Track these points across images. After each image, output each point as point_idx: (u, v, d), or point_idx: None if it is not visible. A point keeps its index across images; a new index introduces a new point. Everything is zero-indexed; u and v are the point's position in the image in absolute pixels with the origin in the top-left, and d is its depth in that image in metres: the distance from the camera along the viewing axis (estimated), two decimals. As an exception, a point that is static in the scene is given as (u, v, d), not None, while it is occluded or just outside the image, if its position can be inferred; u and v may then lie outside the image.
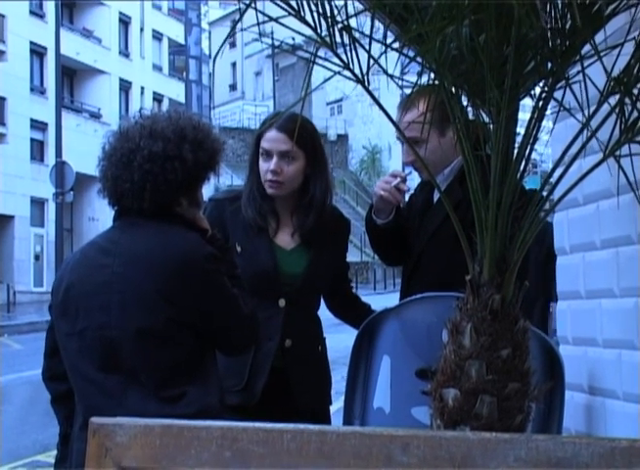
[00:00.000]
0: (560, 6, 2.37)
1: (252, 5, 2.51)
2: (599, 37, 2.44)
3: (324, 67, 2.58)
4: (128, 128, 3.05)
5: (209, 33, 53.60)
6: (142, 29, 45.11)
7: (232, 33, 2.74)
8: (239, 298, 3.07)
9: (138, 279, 2.94)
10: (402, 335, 3.25)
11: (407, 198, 3.95)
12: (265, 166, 3.65)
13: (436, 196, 3.66)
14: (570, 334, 4.06)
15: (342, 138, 50.29)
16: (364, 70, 2.62)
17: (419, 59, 2.58)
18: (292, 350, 3.63)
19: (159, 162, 2.97)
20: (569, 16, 2.38)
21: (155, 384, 2.93)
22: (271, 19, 2.52)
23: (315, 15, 2.57)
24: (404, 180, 3.59)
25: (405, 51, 2.60)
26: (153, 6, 46.61)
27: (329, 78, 2.60)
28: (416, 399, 2.99)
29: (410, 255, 3.69)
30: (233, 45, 56.95)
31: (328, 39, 2.62)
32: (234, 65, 58.63)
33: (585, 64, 2.43)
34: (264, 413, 3.37)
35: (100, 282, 2.98)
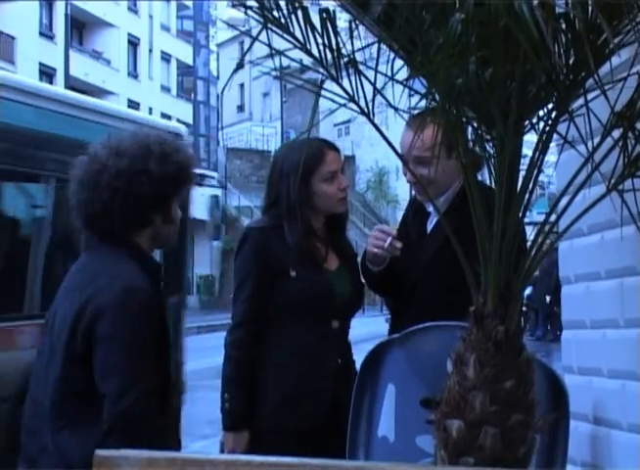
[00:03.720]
0: (564, 41, 2.39)
1: (260, 34, 2.54)
2: (602, 70, 2.46)
3: (330, 99, 2.61)
4: (96, 151, 3.06)
5: (218, 55, 53.64)
6: (150, 51, 45.28)
7: (239, 66, 2.77)
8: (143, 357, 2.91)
9: (66, 303, 2.97)
10: (407, 363, 3.24)
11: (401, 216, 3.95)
12: (333, 187, 3.69)
13: (430, 225, 3.66)
14: (574, 363, 4.05)
15: (350, 159, 50.24)
16: (369, 102, 2.64)
17: (424, 89, 2.60)
18: (341, 369, 3.67)
19: (125, 178, 2.97)
20: (572, 51, 2.40)
21: (54, 414, 2.93)
22: (278, 52, 2.55)
23: (321, 48, 2.60)
24: (395, 237, 3.57)
25: (410, 82, 2.62)
26: (161, 27, 46.81)
27: (335, 110, 2.63)
28: (420, 427, 2.99)
29: (404, 284, 3.68)
30: (241, 66, 57.03)
31: (333, 71, 2.64)
32: (242, 86, 58.71)
33: (589, 97, 2.45)
34: (327, 436, 3.47)
35: (55, 306, 3.05)
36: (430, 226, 3.65)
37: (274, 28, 2.58)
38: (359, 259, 3.83)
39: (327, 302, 3.65)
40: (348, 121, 46.61)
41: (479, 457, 2.55)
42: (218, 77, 50.31)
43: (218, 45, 53.77)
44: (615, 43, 2.23)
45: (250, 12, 2.60)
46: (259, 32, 2.55)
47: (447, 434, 2.60)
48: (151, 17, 45.17)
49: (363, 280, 3.83)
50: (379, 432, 3.29)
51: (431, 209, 3.62)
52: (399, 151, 3.30)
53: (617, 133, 2.54)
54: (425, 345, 3.20)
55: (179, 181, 3.08)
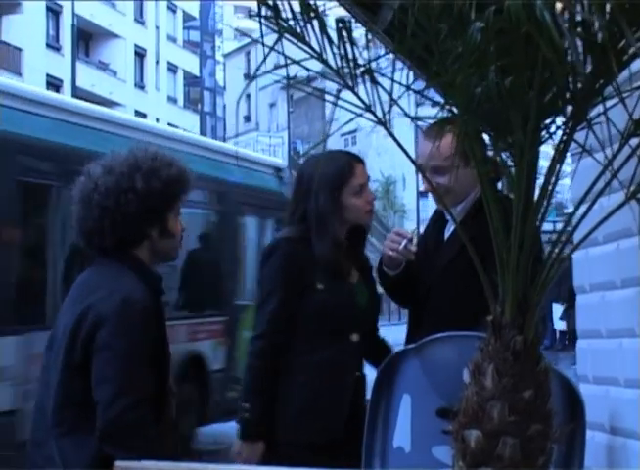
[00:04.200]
0: (582, 48, 2.38)
1: (269, 43, 2.53)
2: (621, 76, 2.45)
3: (345, 108, 2.60)
4: (90, 170, 3.13)
5: (224, 65, 53.87)
6: (157, 62, 45.47)
7: (251, 79, 2.76)
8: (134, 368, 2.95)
9: (68, 316, 3.04)
10: (423, 374, 3.24)
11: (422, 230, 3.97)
12: (362, 200, 3.72)
13: (447, 233, 3.68)
14: (590, 373, 4.04)
15: (356, 169, 50.01)
16: (385, 111, 2.63)
17: (441, 97, 2.60)
18: (360, 382, 3.69)
19: (113, 196, 3.03)
20: (590, 58, 2.40)
21: (55, 421, 2.99)
22: (294, 61, 2.54)
23: (337, 57, 2.60)
24: (411, 240, 3.59)
25: (425, 92, 2.62)
26: (168, 38, 47.00)
27: (351, 120, 2.63)
28: (436, 438, 2.99)
29: (419, 291, 3.69)
30: (247, 77, 57.18)
31: (347, 80, 2.64)
32: (248, 96, 58.84)
33: (607, 105, 2.44)
34: (343, 449, 3.48)
35: (58, 319, 3.12)
36: (447, 233, 3.67)
37: (290, 38, 2.57)
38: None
39: (350, 315, 3.66)
40: (355, 131, 46.69)
41: (497, 468, 2.54)
42: (225, 88, 50.47)
43: (225, 55, 53.97)
44: (638, 47, 2.22)
45: (265, 21, 2.59)
46: (275, 42, 2.54)
47: (465, 444, 2.58)
48: (157, 28, 45.37)
49: (380, 288, 3.84)
50: (394, 442, 3.28)
51: (449, 216, 3.63)
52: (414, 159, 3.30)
53: (635, 141, 2.53)
54: (440, 355, 3.20)
55: (168, 196, 3.11)
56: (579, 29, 2.34)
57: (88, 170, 3.12)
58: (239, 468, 1.89)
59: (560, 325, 20.38)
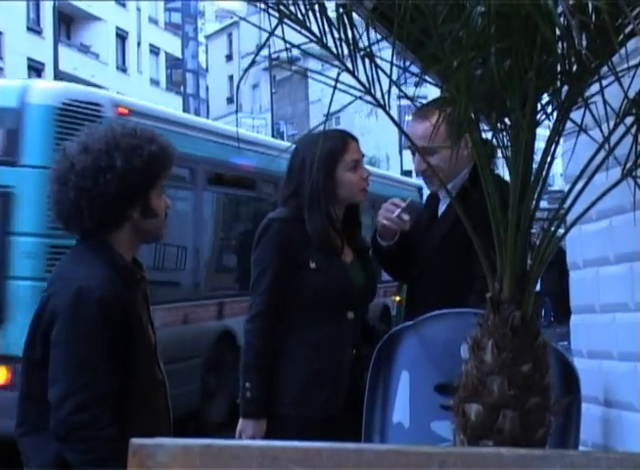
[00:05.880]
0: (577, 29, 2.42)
1: (276, 29, 2.56)
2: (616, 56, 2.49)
3: (345, 92, 2.64)
4: (66, 148, 2.95)
5: (206, 47, 53.64)
6: (139, 44, 45.18)
7: (252, 64, 2.78)
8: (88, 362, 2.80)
9: (39, 304, 2.92)
10: (421, 350, 3.28)
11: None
12: (357, 176, 3.76)
13: (441, 209, 3.73)
14: (584, 347, 4.09)
15: (340, 150, 49.72)
16: (385, 95, 2.67)
17: (439, 80, 2.64)
18: (357, 359, 3.73)
19: (90, 176, 2.85)
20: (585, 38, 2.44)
21: (18, 420, 2.92)
22: (297, 47, 2.57)
23: (337, 41, 2.63)
24: (405, 209, 3.65)
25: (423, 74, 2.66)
26: (149, 20, 46.69)
27: (350, 103, 2.66)
28: (435, 413, 3.04)
29: (414, 267, 3.75)
30: (230, 58, 56.95)
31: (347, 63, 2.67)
32: (231, 78, 58.60)
33: (603, 84, 2.48)
34: (345, 424, 3.53)
35: None
36: (440, 211, 3.74)
37: (290, 24, 2.60)
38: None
39: (344, 293, 3.72)
40: (338, 112, 46.64)
41: (497, 440, 2.58)
42: (207, 70, 50.23)
43: (207, 37, 53.71)
44: (637, 25, 2.25)
45: (263, 5, 2.62)
46: (275, 27, 2.56)
47: (466, 418, 2.63)
48: (139, 9, 45.06)
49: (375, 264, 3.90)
50: (394, 418, 3.33)
51: (441, 194, 3.70)
52: (403, 141, 3.37)
53: (629, 120, 2.58)
54: (438, 331, 3.25)
55: (150, 174, 2.94)
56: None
57: (64, 149, 2.94)
58: (248, 443, 1.94)
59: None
